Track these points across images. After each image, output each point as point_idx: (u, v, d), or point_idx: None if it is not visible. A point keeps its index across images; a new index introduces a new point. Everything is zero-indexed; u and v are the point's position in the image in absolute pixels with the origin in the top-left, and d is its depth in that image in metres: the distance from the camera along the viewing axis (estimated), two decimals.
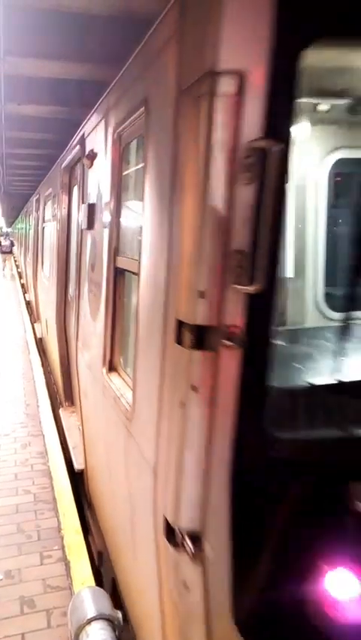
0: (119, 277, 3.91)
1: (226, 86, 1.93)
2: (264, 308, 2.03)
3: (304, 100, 3.13)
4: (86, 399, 5.12)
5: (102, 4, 4.95)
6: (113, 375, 3.86)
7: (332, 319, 3.76)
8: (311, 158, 3.82)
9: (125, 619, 3.29)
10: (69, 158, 6.57)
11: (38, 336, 12.20)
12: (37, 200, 13.05)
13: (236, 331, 2.03)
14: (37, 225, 12.92)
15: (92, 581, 4.15)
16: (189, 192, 2.15)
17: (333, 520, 2.20)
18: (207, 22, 2.02)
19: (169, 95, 2.48)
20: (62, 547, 4.69)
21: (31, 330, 13.45)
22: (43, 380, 9.31)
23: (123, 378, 3.70)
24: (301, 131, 3.49)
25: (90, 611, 3.10)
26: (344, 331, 2.35)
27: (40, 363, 10.39)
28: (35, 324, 13.12)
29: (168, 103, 2.50)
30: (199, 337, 2.08)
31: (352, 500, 2.12)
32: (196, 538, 2.18)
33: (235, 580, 2.17)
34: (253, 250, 1.94)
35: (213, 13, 1.97)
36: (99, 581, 4.39)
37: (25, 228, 20.16)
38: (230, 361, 2.05)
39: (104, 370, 3.98)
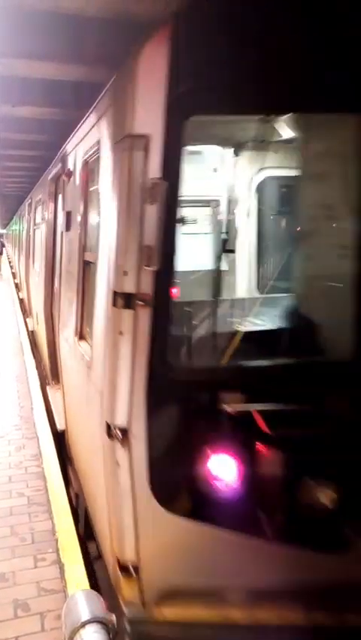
0: (86, 267, 4.98)
1: (138, 144, 3.13)
2: (163, 281, 3.20)
3: (191, 148, 4.74)
4: (65, 368, 6.22)
5: (98, 5, 4.95)
6: (82, 342, 4.92)
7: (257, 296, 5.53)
8: (244, 176, 5.45)
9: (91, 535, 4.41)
10: (54, 171, 7.95)
11: (30, 329, 13.09)
12: (30, 205, 14.45)
13: (147, 297, 3.20)
14: (29, 228, 14.03)
15: (86, 584, 4.14)
16: (121, 208, 3.30)
17: (211, 418, 3.30)
18: (128, 101, 3.29)
19: (110, 143, 3.81)
20: (56, 550, 4.68)
21: (25, 330, 13.47)
22: (38, 382, 9.29)
23: (88, 342, 4.62)
24: (232, 157, 5.21)
25: (84, 614, 3.09)
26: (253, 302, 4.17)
27: (34, 365, 10.38)
28: (28, 319, 14.10)
29: (110, 148, 3.80)
30: (126, 301, 3.23)
31: (220, 404, 3.29)
32: (124, 431, 3.31)
33: (150, 460, 3.28)
34: (155, 245, 3.12)
35: (130, 96, 3.23)
36: (94, 584, 4.38)
37: (19, 230, 21.89)
38: (144, 316, 3.22)
39: (76, 339, 5.10)
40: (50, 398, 7.72)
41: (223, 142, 4.71)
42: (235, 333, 4.09)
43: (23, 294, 17.19)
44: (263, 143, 4.69)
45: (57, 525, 5.02)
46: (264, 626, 3.40)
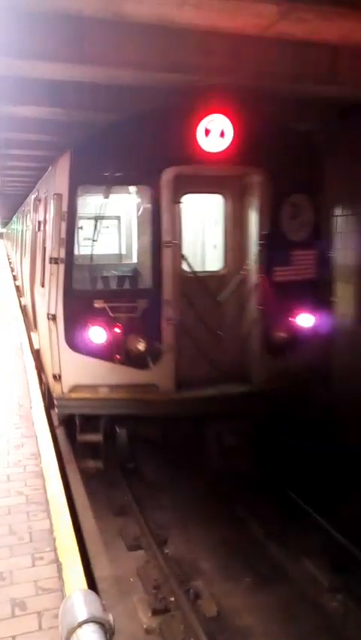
0: (45, 250, 8.68)
1: (58, 196, 7.11)
2: (68, 252, 7.12)
3: (86, 196, 7.61)
4: (36, 309, 10.34)
5: (96, 7, 5.00)
6: (43, 287, 8.48)
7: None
8: (134, 207, 8.73)
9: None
10: (33, 196, 12.79)
11: (23, 303, 16.81)
12: (23, 211, 18.74)
13: (61, 259, 7.15)
14: (23, 229, 17.63)
15: (84, 584, 4.15)
16: (54, 222, 7.31)
17: (90, 309, 6.99)
18: (55, 176, 7.75)
19: (50, 193, 8.03)
20: (54, 549, 4.68)
21: (28, 345, 13.41)
22: (37, 381, 9.32)
23: (43, 285, 8.55)
24: (125, 197, 8.43)
25: (82, 614, 3.09)
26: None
27: (33, 364, 10.40)
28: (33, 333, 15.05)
29: (50, 195, 7.85)
30: (54, 261, 7.24)
31: (94, 303, 7.06)
32: (53, 316, 7.22)
33: (65, 328, 7.09)
34: (65, 238, 7.11)
35: (55, 175, 7.66)
36: (92, 583, 4.39)
37: (17, 230, 26.72)
38: (61, 267, 7.13)
39: (40, 286, 9.27)
40: (32, 338, 11.63)
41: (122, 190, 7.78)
42: (101, 276, 8.16)
43: (19, 283, 20.00)
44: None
45: (55, 524, 5.03)
46: (116, 399, 7.21)
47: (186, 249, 7.64)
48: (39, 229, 10.25)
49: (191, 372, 7.35)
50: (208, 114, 6.84)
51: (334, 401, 8.13)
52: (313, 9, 4.87)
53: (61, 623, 3.15)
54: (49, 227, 7.92)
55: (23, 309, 15.83)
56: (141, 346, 7.08)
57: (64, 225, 6.99)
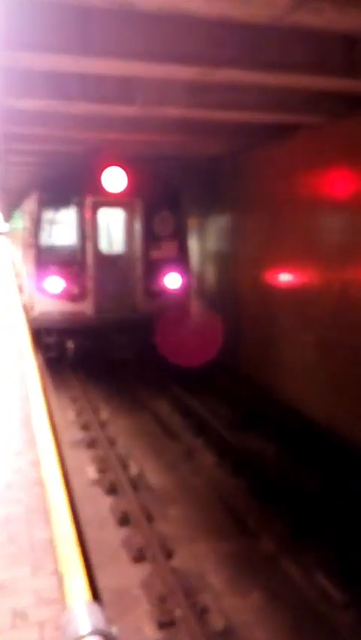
0: (26, 244, 15.75)
1: (33, 224, 14.17)
2: (39, 240, 13.45)
3: (46, 212, 13.71)
4: (22, 277, 19.00)
5: None
6: (25, 264, 16.51)
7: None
8: (73, 216, 13.58)
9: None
10: (25, 206, 18.15)
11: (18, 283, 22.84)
12: (23, 211, 21.25)
13: (34, 243, 13.62)
14: (23, 227, 20.87)
15: (85, 594, 3.96)
16: (30, 228, 14.62)
17: (53, 266, 13.35)
18: (32, 201, 15.06)
19: (29, 211, 15.63)
20: (56, 559, 4.50)
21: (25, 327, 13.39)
22: (39, 386, 9.14)
23: (26, 261, 16.28)
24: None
25: (85, 626, 2.93)
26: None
27: (36, 367, 10.25)
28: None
29: (28, 212, 15.82)
30: (29, 245, 14.69)
31: (55, 265, 13.64)
32: (30, 276, 14.46)
33: (37, 279, 13.49)
34: (33, 235, 13.67)
35: (32, 199, 15.13)
36: (94, 594, 4.21)
37: (17, 227, 29.04)
38: (35, 249, 13.51)
39: (25, 262, 17.47)
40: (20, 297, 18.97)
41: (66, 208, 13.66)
42: (55, 253, 13.40)
43: (19, 273, 23.23)
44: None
45: (56, 533, 4.84)
46: (62, 319, 13.35)
47: (103, 240, 13.84)
48: (25, 230, 17.64)
49: (104, 306, 13.48)
50: (109, 165, 13.08)
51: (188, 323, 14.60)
52: None
53: (63, 635, 2.98)
54: (29, 229, 14.97)
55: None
56: (75, 290, 13.31)
57: (35, 228, 13.51)
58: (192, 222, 15.92)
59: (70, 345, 13.82)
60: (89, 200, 13.22)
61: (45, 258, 13.31)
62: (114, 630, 3.01)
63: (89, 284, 13.29)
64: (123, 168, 13.15)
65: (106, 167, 13.01)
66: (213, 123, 9.55)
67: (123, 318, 13.49)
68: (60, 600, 4.03)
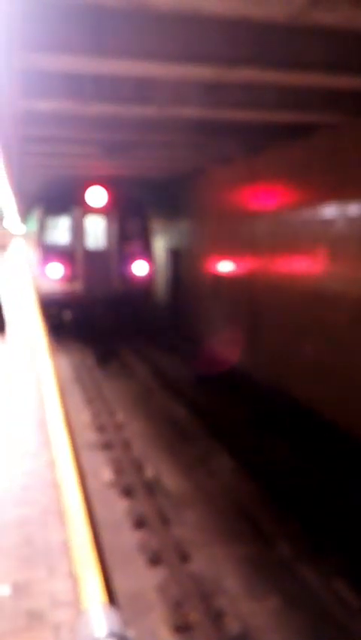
0: (36, 242, 20.43)
1: (40, 227, 19.75)
2: (44, 240, 19.24)
3: (49, 219, 19.76)
4: (33, 268, 23.42)
5: None
6: (35, 257, 21.60)
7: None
8: (67, 222, 19.43)
9: None
10: (34, 213, 24.03)
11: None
12: (33, 218, 25.23)
13: (39, 243, 19.58)
14: (33, 231, 24.18)
15: (102, 597, 3.94)
16: (38, 230, 20.02)
17: (55, 257, 19.24)
18: (39, 211, 20.43)
19: (36, 218, 21.38)
20: (72, 561, 4.48)
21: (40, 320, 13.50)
22: (55, 388, 9.14)
23: (35, 253, 21.11)
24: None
25: (100, 630, 2.89)
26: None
27: (52, 368, 10.25)
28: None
29: (36, 219, 21.21)
30: (37, 244, 19.76)
31: (57, 256, 19.73)
32: (37, 265, 20.15)
33: (41, 269, 19.40)
34: (41, 236, 19.85)
35: (39, 210, 20.50)
36: (110, 597, 4.18)
37: (30, 230, 33.57)
38: (43, 247, 19.29)
39: (37, 259, 20.64)
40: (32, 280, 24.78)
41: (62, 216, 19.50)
42: (55, 248, 19.15)
43: (32, 265, 28.39)
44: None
45: (72, 535, 4.82)
46: (61, 296, 19.32)
47: (89, 239, 19.16)
48: (34, 233, 21.73)
49: (90, 286, 18.98)
50: (93, 185, 18.71)
51: (149, 298, 20.56)
52: None
53: (79, 638, 2.94)
54: (37, 231, 19.71)
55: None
56: (70, 275, 18.70)
57: (41, 230, 18.66)
58: (156, 226, 22.46)
59: (67, 314, 19.84)
60: (79, 211, 18.90)
61: (48, 252, 18.86)
62: (130, 634, 2.97)
63: (80, 270, 19.00)
64: (104, 187, 18.91)
65: (91, 187, 18.77)
66: (229, 123, 9.54)
67: (104, 294, 19.28)
68: (76, 603, 4.00)
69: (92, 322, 19.36)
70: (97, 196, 18.66)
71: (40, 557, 4.59)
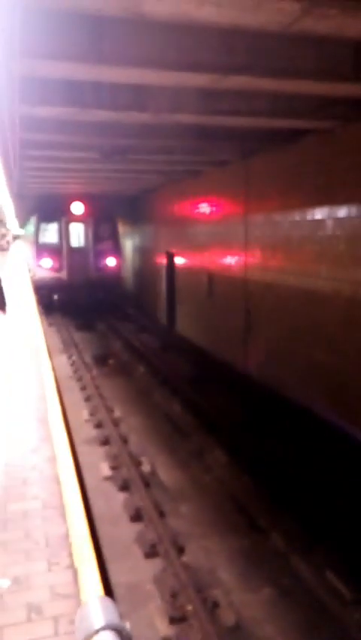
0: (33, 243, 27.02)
1: (35, 231, 26.53)
2: (39, 239, 25.91)
3: (42, 225, 26.17)
4: (30, 263, 31.37)
5: (116, 6, 4.95)
6: (31, 254, 29.28)
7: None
8: (56, 227, 25.86)
9: None
10: (31, 220, 32.60)
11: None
12: (29, 224, 30.09)
13: (35, 243, 26.47)
14: (30, 233, 30.67)
15: (100, 590, 4.08)
16: (34, 234, 27.03)
17: (48, 253, 25.65)
18: (35, 219, 27.29)
19: (33, 224, 28.96)
20: (71, 555, 4.61)
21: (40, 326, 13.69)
22: (54, 384, 9.27)
23: (32, 251, 28.19)
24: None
25: (98, 621, 3.01)
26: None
27: (50, 367, 10.38)
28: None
29: (32, 224, 29.34)
30: (34, 243, 26.40)
31: (49, 251, 25.98)
32: (33, 258, 27.42)
33: (37, 259, 25.79)
34: (35, 237, 26.52)
35: (35, 218, 27.54)
36: (107, 589, 4.32)
37: (28, 233, 39.52)
38: (35, 246, 25.88)
39: (33, 259, 27.18)
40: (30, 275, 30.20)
41: (52, 222, 26.25)
42: (46, 247, 25.42)
43: (29, 261, 34.79)
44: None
45: (71, 529, 4.96)
46: (49, 282, 25.44)
47: (72, 239, 25.44)
48: (31, 235, 28.62)
49: (73, 275, 25.12)
50: (75, 200, 25.05)
51: (119, 284, 27.26)
52: (336, 5, 4.77)
53: (77, 630, 3.08)
54: (33, 234, 26.74)
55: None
56: (57, 266, 25.02)
57: (35, 233, 25.49)
58: (125, 229, 29.24)
59: (55, 297, 25.25)
60: (65, 219, 25.12)
61: (41, 249, 25.10)
62: (127, 625, 3.10)
63: (65, 263, 25.04)
64: (83, 202, 25.13)
65: (74, 201, 24.98)
66: (225, 129, 9.65)
67: (84, 281, 25.09)
68: (75, 595, 4.13)
69: (75, 302, 25.12)
70: (78, 208, 25.26)
71: (39, 551, 4.73)
